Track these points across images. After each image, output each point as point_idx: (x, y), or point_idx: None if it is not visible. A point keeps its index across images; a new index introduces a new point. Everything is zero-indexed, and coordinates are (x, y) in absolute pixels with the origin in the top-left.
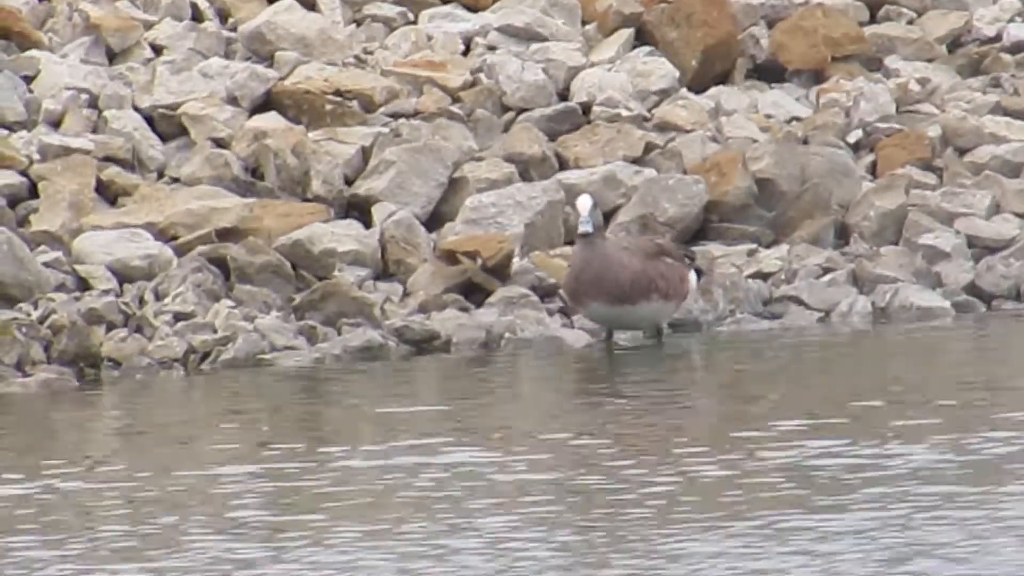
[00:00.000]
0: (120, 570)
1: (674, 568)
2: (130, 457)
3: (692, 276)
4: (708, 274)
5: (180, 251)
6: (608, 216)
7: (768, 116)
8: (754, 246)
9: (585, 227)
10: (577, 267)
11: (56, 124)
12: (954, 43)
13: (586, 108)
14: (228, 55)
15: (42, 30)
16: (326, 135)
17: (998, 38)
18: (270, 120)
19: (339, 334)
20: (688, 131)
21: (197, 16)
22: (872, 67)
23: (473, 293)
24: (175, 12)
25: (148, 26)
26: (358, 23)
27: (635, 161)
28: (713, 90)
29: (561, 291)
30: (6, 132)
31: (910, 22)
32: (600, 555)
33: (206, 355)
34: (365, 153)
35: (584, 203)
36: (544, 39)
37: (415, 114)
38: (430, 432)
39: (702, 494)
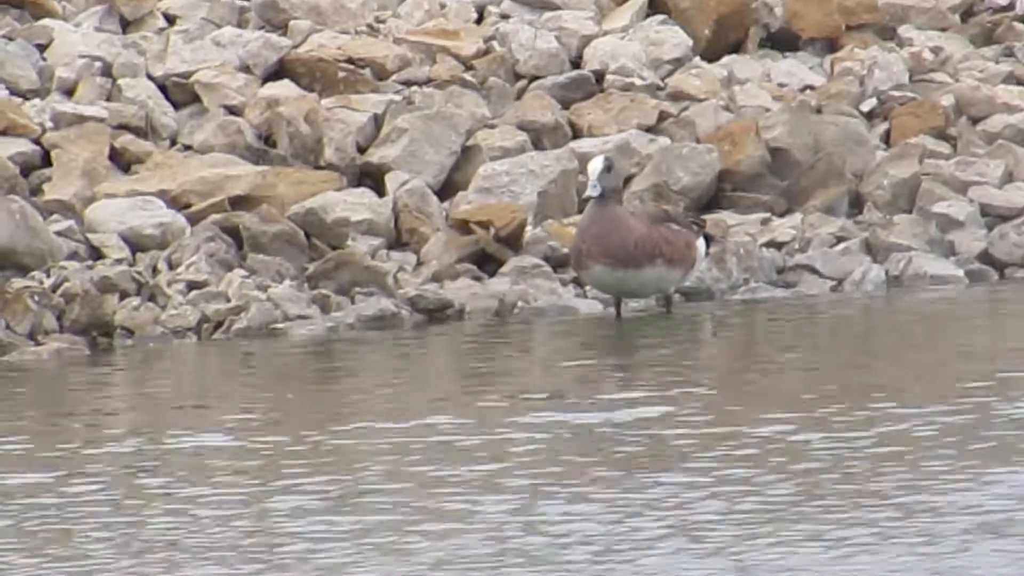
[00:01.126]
0: None
1: None
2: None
3: (700, 244)
4: (720, 242)
5: (193, 219)
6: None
7: (781, 85)
8: (768, 215)
9: (592, 191)
10: (582, 227)
11: (69, 92)
12: (967, 12)
13: (599, 76)
14: (241, 24)
15: None
16: (339, 103)
17: (1011, 7)
18: (283, 88)
19: (352, 303)
20: (701, 100)
21: None
22: (886, 36)
23: (486, 262)
24: None
25: None
26: None
27: (648, 130)
28: (726, 59)
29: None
30: (20, 100)
31: None
32: None
33: (219, 324)
34: (378, 121)
35: (594, 166)
36: (557, 7)
37: (428, 82)
38: None
39: None
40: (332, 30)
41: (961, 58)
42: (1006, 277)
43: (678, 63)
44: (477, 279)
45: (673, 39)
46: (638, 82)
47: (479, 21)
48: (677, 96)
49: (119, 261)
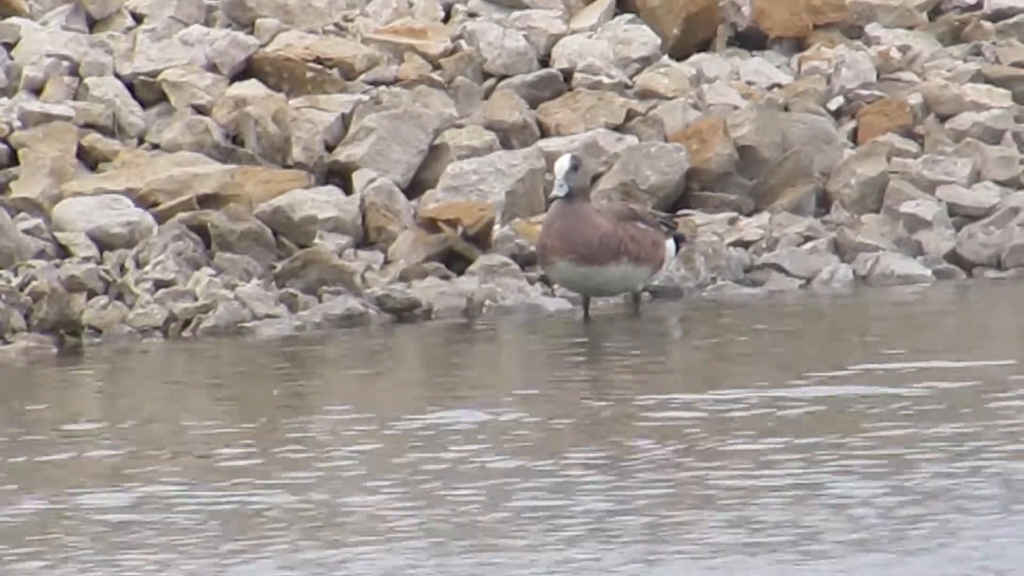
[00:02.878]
0: None
1: None
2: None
3: (669, 243)
4: (689, 242)
5: (161, 218)
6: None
7: (749, 83)
8: (735, 214)
9: (559, 190)
10: (548, 223)
11: (37, 91)
12: (935, 11)
13: (567, 75)
14: (208, 22)
15: None
16: (307, 102)
17: (979, 6)
18: (251, 87)
19: (320, 302)
20: (669, 98)
21: None
22: (853, 35)
23: (454, 261)
24: None
25: None
26: None
27: (616, 128)
28: (694, 57)
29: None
30: None
31: None
32: None
33: (187, 323)
34: (345, 120)
35: (561, 165)
36: (525, 6)
37: (395, 81)
38: None
39: None
40: (299, 29)
41: (929, 56)
42: (974, 277)
43: (646, 62)
44: (445, 278)
45: (641, 38)
46: (606, 80)
47: (447, 20)
48: (645, 95)
49: (87, 260)
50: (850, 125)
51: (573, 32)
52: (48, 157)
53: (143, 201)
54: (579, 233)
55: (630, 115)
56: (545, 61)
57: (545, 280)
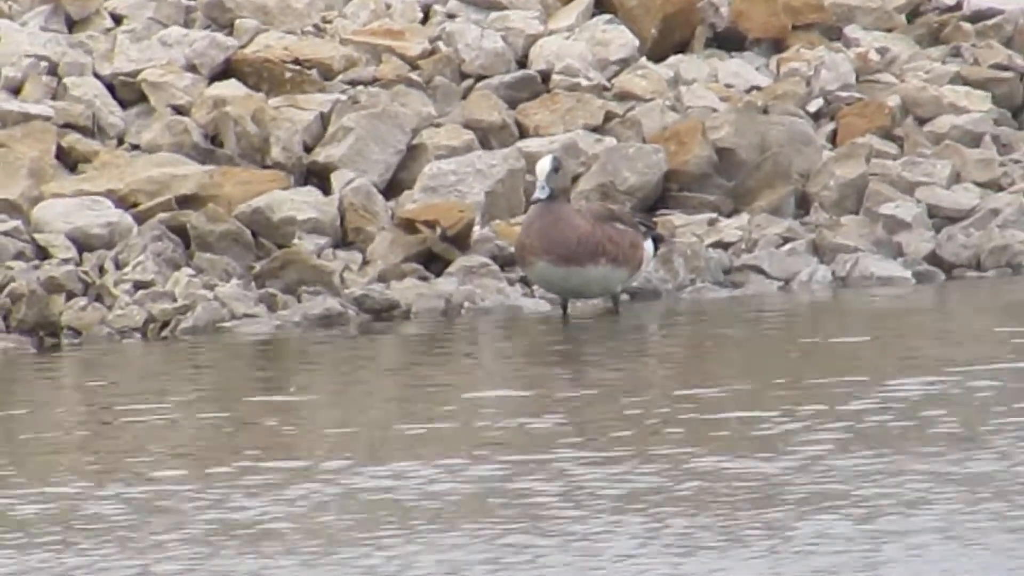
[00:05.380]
0: None
1: None
2: None
3: (648, 245)
4: (669, 243)
5: (140, 219)
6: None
7: (728, 85)
8: (714, 215)
9: (540, 193)
10: (527, 223)
11: (16, 91)
12: (913, 12)
13: (545, 76)
14: (187, 23)
15: None
16: (285, 102)
17: (958, 7)
18: (230, 87)
19: (299, 302)
20: (648, 100)
21: None
22: (832, 36)
23: (433, 262)
24: None
25: None
26: None
27: (595, 130)
28: (673, 59)
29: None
30: None
31: None
32: None
33: (166, 324)
34: (324, 120)
35: (542, 167)
36: (503, 7)
37: (374, 82)
38: None
39: None
40: (278, 30)
41: (907, 58)
42: (953, 278)
43: (624, 63)
44: (424, 279)
45: (619, 39)
46: (584, 82)
47: (425, 21)
48: (623, 96)
49: (66, 261)
50: (829, 127)
51: (551, 32)
52: (27, 158)
53: (123, 202)
54: (558, 233)
55: (608, 117)
56: (523, 62)
57: (524, 281)
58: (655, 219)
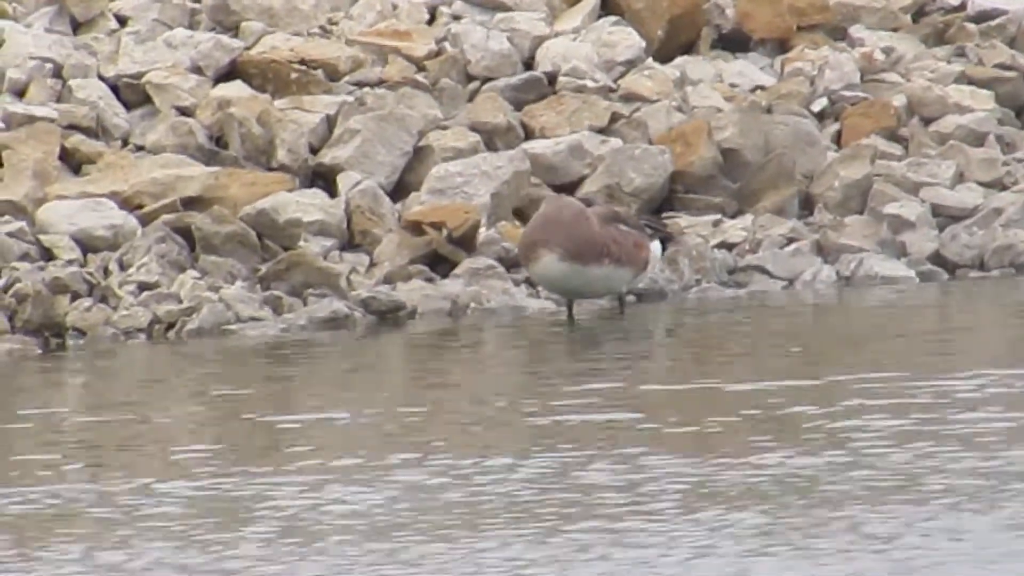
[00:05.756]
0: None
1: None
2: None
3: (655, 246)
4: (678, 242)
5: (145, 220)
6: (574, 186)
7: (733, 86)
8: (719, 217)
9: None
10: (535, 217)
11: (20, 93)
12: (919, 12)
13: (551, 78)
14: (192, 25)
15: (6, 0)
16: (291, 104)
17: (963, 7)
18: (235, 89)
19: (305, 304)
20: (653, 101)
21: None
22: (837, 36)
23: (439, 264)
24: None
25: None
26: None
27: (601, 131)
28: (678, 60)
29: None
30: None
31: None
32: None
33: (171, 325)
34: (330, 122)
35: None
36: (509, 8)
37: (380, 83)
38: None
39: None
40: (284, 32)
41: (912, 58)
42: (957, 278)
43: (631, 64)
44: (430, 280)
45: (626, 40)
46: (590, 84)
47: (431, 22)
48: (629, 97)
49: (70, 262)
50: (834, 127)
51: (557, 34)
52: (31, 159)
53: (127, 204)
54: (564, 221)
55: (614, 118)
56: (529, 64)
57: (530, 282)
58: (665, 221)
